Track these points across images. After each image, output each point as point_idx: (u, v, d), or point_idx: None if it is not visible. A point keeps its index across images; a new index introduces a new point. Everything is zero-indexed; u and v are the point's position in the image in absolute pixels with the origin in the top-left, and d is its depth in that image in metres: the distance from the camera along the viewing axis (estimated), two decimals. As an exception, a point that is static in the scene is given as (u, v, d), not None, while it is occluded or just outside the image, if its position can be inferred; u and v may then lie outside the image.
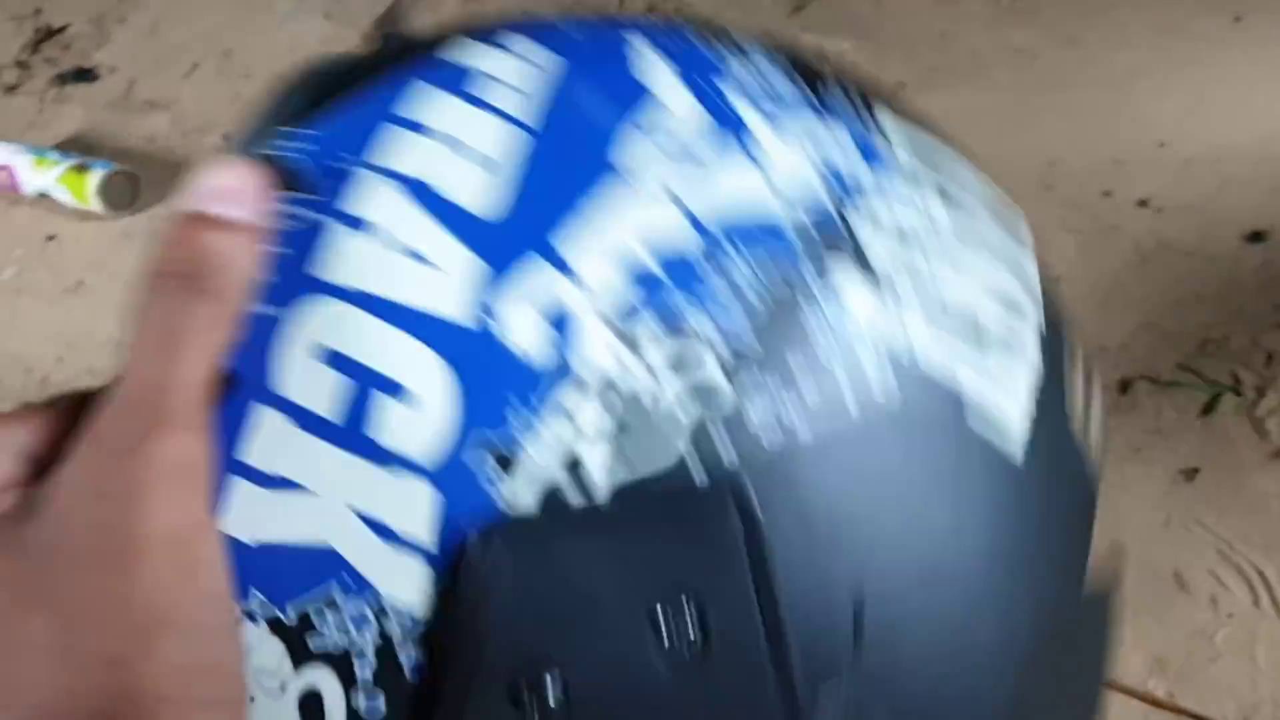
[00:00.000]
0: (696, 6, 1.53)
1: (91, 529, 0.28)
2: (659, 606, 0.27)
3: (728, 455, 0.27)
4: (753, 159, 0.30)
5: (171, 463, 0.28)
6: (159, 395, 0.29)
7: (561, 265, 0.28)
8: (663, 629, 0.27)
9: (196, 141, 1.45)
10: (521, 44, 0.32)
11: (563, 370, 0.27)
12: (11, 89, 1.64)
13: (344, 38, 1.59)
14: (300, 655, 0.28)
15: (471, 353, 0.27)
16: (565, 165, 0.29)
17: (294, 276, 0.29)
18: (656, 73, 0.31)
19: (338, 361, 0.28)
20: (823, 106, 0.32)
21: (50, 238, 1.32)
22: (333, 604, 0.28)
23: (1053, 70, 1.31)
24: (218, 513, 0.28)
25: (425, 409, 0.27)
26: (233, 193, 0.30)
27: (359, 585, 0.27)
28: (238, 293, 0.30)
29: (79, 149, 1.41)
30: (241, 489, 0.28)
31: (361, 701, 0.27)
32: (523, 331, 0.27)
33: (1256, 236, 1.07)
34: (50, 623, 0.28)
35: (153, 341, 0.29)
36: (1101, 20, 1.36)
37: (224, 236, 0.30)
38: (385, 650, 0.27)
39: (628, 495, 0.27)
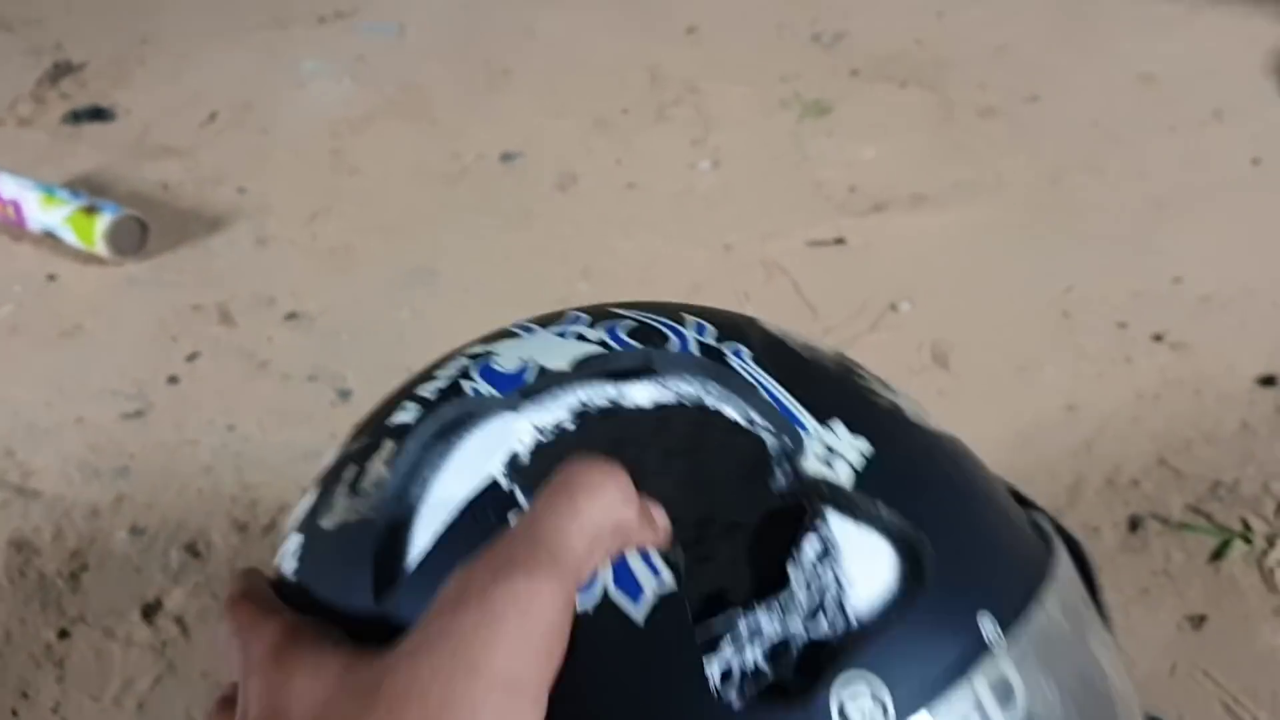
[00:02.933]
0: (712, 92, 1.53)
1: (432, 669, 0.30)
2: None
3: None
4: None
5: (516, 607, 0.30)
6: (533, 544, 0.31)
7: None
8: None
9: (210, 192, 1.44)
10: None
11: None
12: (25, 122, 1.63)
13: (365, 100, 1.59)
14: None
15: None
16: None
17: None
18: None
19: None
20: None
21: (51, 277, 1.30)
22: None
23: (1075, 194, 1.31)
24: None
25: None
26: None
27: None
28: (635, 528, 0.34)
29: (89, 189, 1.40)
30: None
31: None
32: None
33: (1269, 381, 1.06)
34: None
35: (547, 500, 0.33)
36: (1124, 150, 1.37)
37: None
38: None
39: None
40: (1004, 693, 0.36)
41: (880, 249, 1.27)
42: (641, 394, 0.40)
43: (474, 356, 0.43)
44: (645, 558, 0.35)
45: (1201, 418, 1.02)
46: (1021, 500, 0.46)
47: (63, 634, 0.91)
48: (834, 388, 0.42)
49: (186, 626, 0.91)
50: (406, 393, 0.43)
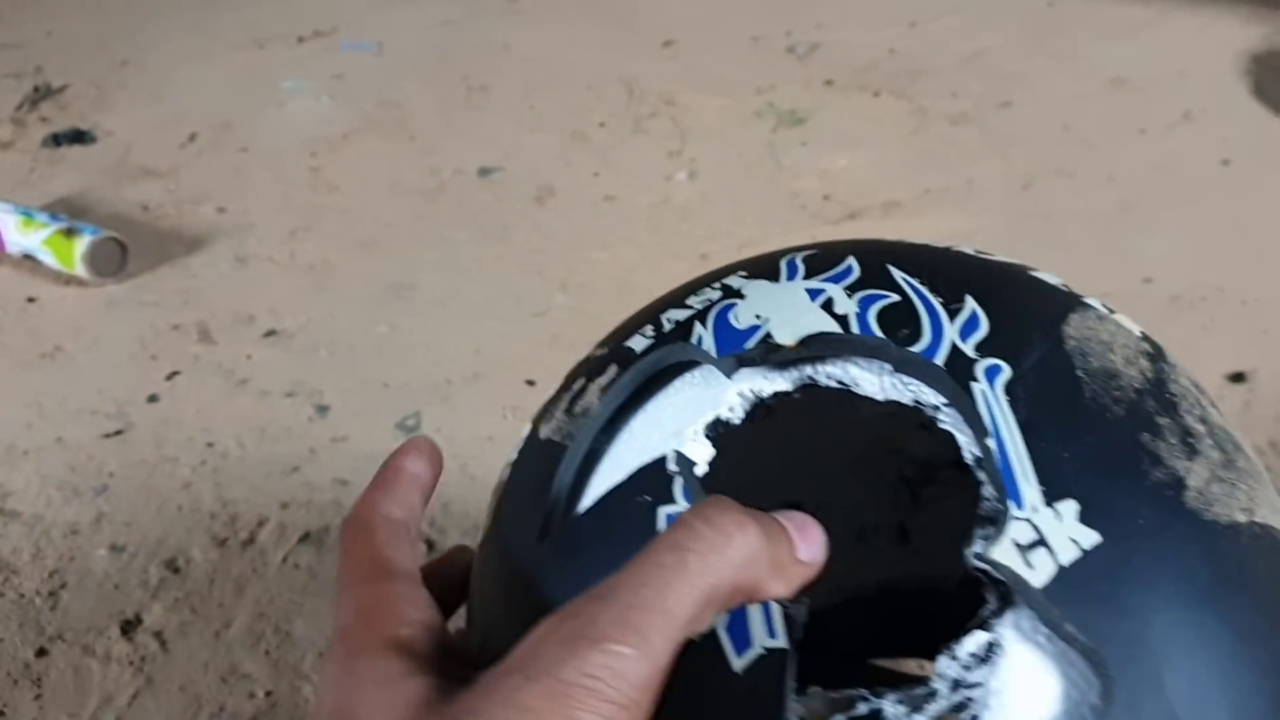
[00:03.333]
0: (688, 105, 1.54)
1: (511, 715, 0.29)
2: None
3: None
4: None
5: (596, 680, 0.29)
6: (629, 613, 0.29)
7: None
8: None
9: (190, 212, 1.44)
10: None
11: None
12: (5, 146, 1.64)
13: (344, 118, 1.60)
14: None
15: None
16: None
17: None
18: None
19: None
20: None
21: (30, 299, 1.31)
22: None
23: (1045, 198, 1.32)
24: None
25: None
26: (814, 538, 0.33)
27: None
28: (766, 585, 0.31)
29: (69, 212, 1.40)
30: None
31: None
32: None
33: (1238, 377, 1.07)
34: None
35: (663, 562, 0.30)
36: (1095, 154, 1.38)
37: (789, 545, 0.32)
38: None
39: None
40: None
41: (855, 256, 1.28)
42: (873, 383, 0.37)
43: (724, 293, 0.41)
44: (765, 608, 0.32)
45: (1172, 416, 1.03)
46: None
47: (41, 652, 0.91)
48: (1097, 453, 0.34)
49: (165, 641, 0.91)
50: (654, 313, 0.42)
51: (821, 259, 0.41)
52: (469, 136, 1.54)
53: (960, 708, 0.31)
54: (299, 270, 1.33)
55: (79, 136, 1.64)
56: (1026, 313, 0.39)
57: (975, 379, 0.35)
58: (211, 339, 1.23)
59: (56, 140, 1.63)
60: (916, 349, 0.36)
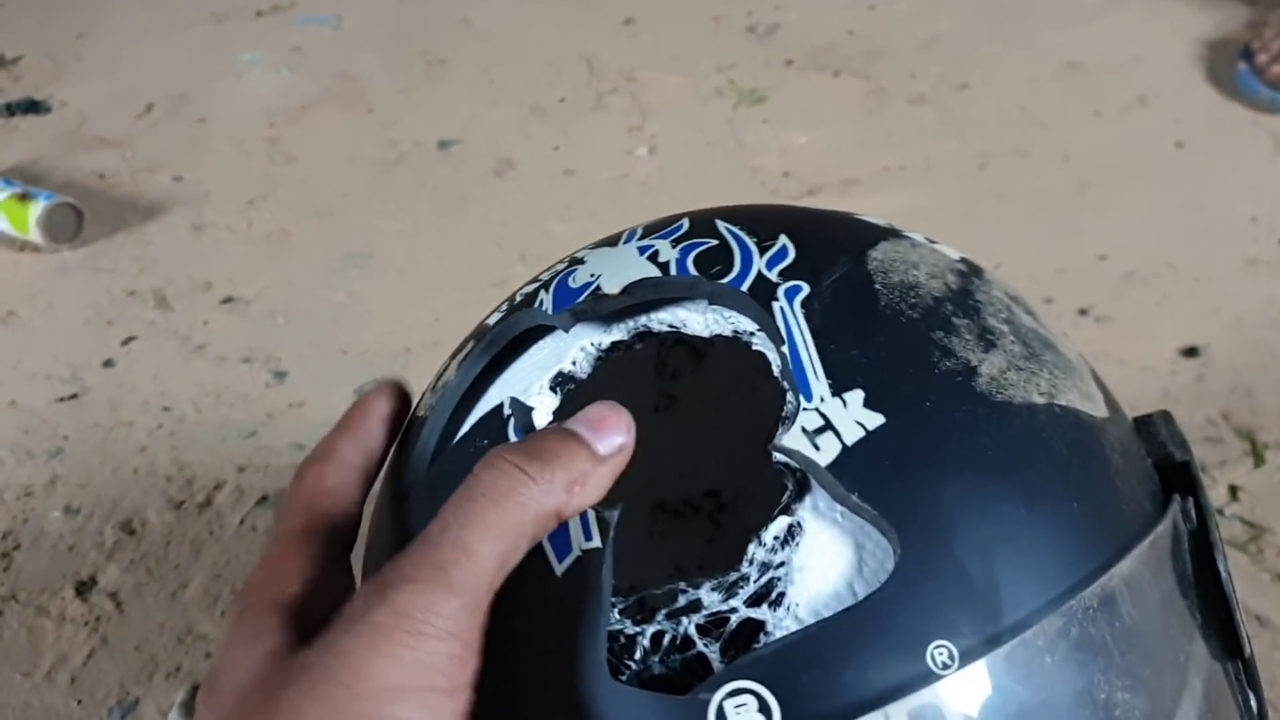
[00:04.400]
0: (649, 82, 1.55)
1: (311, 683, 0.31)
2: None
3: None
4: None
5: (406, 617, 0.31)
6: (431, 551, 0.32)
7: None
8: None
9: (146, 180, 1.43)
10: None
11: None
12: (-42, 115, 1.62)
13: (302, 90, 1.59)
14: None
15: None
16: None
17: None
18: None
19: None
20: None
21: (-16, 265, 1.30)
22: None
23: (1001, 178, 1.34)
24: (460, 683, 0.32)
25: None
26: (613, 427, 0.35)
27: None
28: (566, 505, 0.34)
29: (24, 178, 1.39)
30: None
31: None
32: None
33: (1191, 351, 1.09)
34: None
35: (462, 505, 0.33)
36: (1050, 135, 1.40)
37: (585, 453, 0.34)
38: None
39: None
40: None
41: (814, 231, 1.28)
42: (699, 322, 0.40)
43: (569, 262, 0.45)
44: (583, 518, 0.35)
45: (1125, 387, 1.04)
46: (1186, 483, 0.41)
47: (-6, 611, 0.90)
48: (886, 350, 0.37)
49: (121, 602, 0.91)
50: (513, 291, 0.46)
51: (659, 223, 0.44)
52: (428, 110, 1.54)
53: (769, 586, 0.34)
54: (256, 239, 1.32)
55: (33, 106, 1.62)
56: (834, 242, 0.42)
57: (775, 299, 0.38)
58: (168, 305, 1.22)
59: (10, 110, 1.61)
60: (725, 281, 0.40)
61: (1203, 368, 1.07)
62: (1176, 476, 0.42)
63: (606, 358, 0.41)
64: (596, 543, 0.34)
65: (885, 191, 1.33)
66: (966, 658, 0.32)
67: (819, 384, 0.36)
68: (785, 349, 0.37)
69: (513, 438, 0.38)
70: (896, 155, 1.39)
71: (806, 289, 0.39)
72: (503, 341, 0.42)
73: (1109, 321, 1.12)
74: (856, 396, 0.35)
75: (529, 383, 0.41)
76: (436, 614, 0.31)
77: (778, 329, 0.38)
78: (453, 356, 0.45)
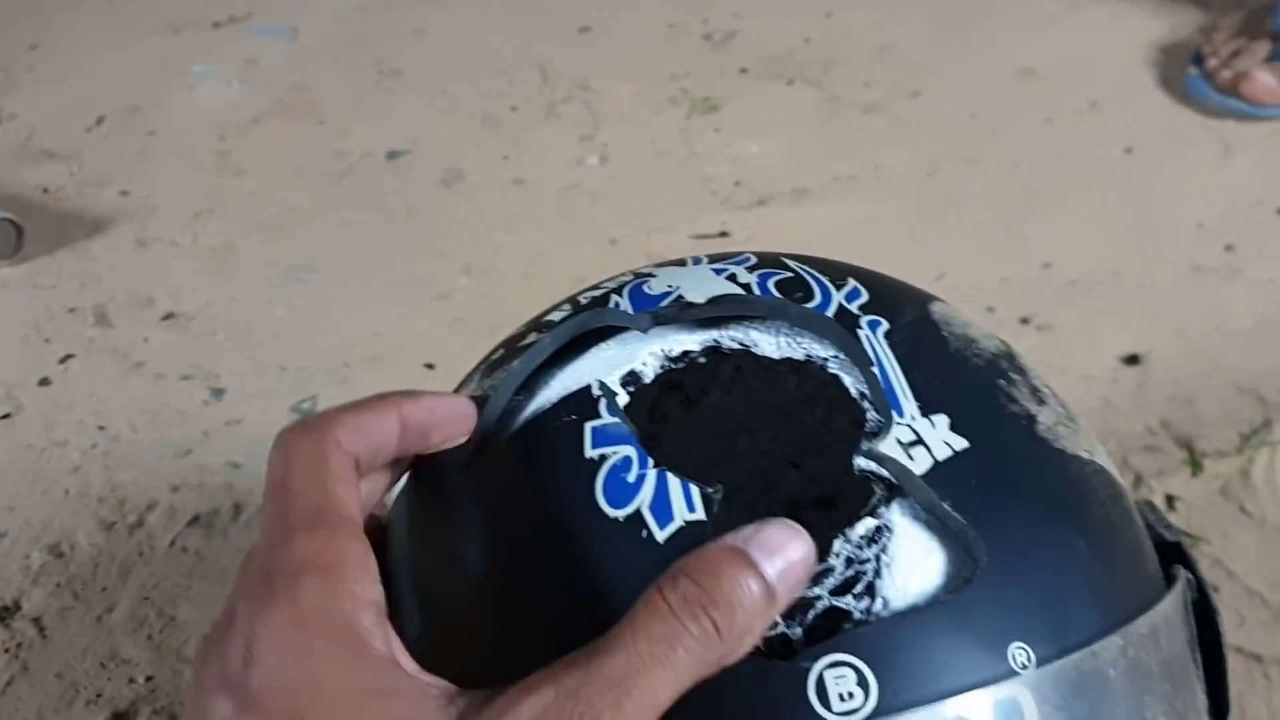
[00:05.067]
0: (602, 90, 1.54)
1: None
2: None
3: None
4: None
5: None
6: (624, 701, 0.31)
7: None
8: None
9: (92, 194, 1.42)
10: None
11: None
12: (-93, 129, 1.60)
13: (254, 102, 1.58)
14: None
15: None
16: None
17: None
18: None
19: None
20: None
21: (-77, 282, 1.28)
22: None
23: (951, 185, 1.33)
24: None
25: None
26: (796, 572, 0.34)
27: None
28: (732, 656, 0.33)
29: (-34, 194, 1.37)
30: None
31: None
32: None
33: (1132, 359, 1.08)
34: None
35: (657, 651, 0.32)
36: (1001, 142, 1.39)
37: (771, 608, 0.34)
38: None
39: None
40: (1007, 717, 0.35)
41: (763, 240, 1.28)
42: (770, 344, 0.41)
43: (635, 276, 0.46)
44: (685, 490, 0.37)
45: (1066, 394, 1.03)
46: (1180, 558, 0.44)
47: (-85, 637, 0.89)
48: (963, 385, 0.41)
49: (44, 628, 0.90)
50: (567, 297, 0.47)
51: (723, 255, 0.46)
52: (379, 120, 1.53)
53: (855, 578, 0.36)
54: (201, 253, 1.31)
55: (-18, 119, 1.60)
56: (900, 291, 0.46)
57: (860, 328, 0.41)
58: (109, 322, 1.21)
59: (-42, 123, 1.60)
60: (809, 307, 0.42)
61: (1144, 376, 1.06)
62: (1168, 554, 0.45)
63: (672, 367, 0.42)
64: (700, 515, 0.36)
65: (835, 200, 1.32)
66: (1043, 662, 0.35)
67: (909, 404, 0.39)
68: (875, 370, 0.40)
69: (604, 414, 0.40)
70: (847, 164, 1.38)
71: (886, 324, 0.42)
72: (574, 334, 0.43)
73: (1050, 330, 1.12)
74: (943, 420, 0.39)
75: (598, 377, 0.42)
76: None
77: (865, 352, 0.40)
78: (506, 347, 0.45)
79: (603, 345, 0.43)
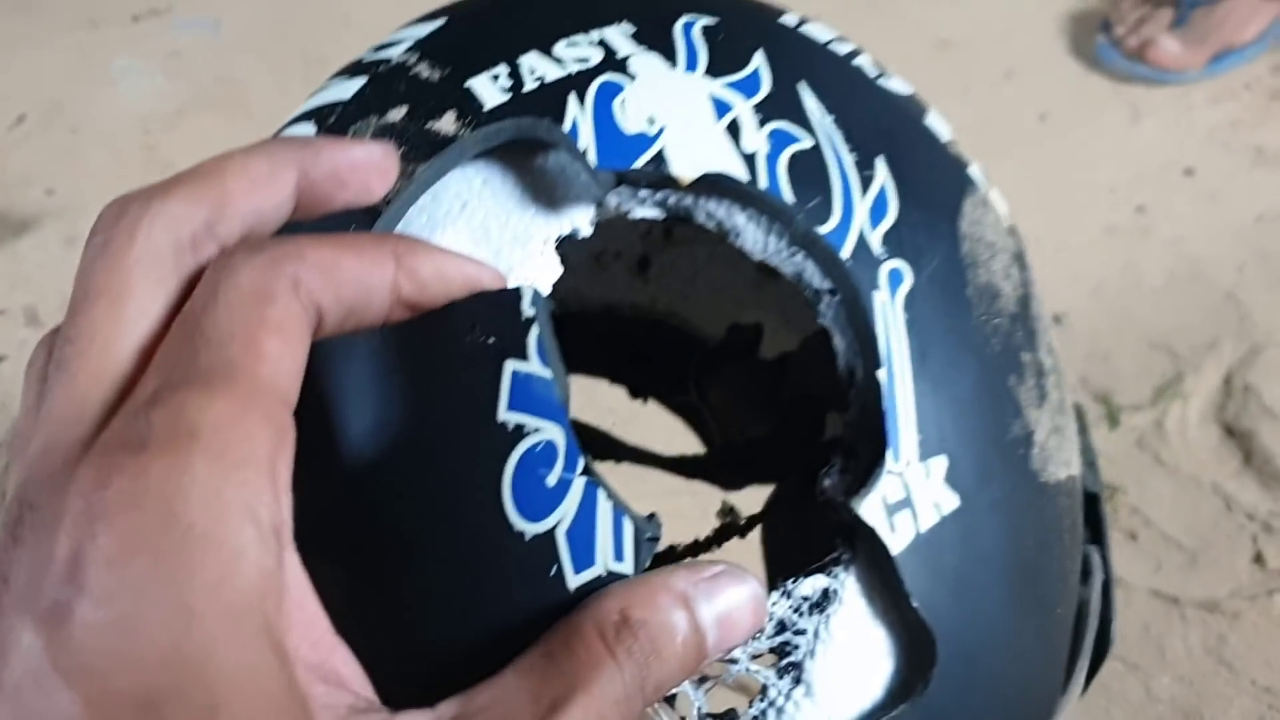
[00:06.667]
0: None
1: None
2: None
3: None
4: None
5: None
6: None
7: None
8: None
9: (17, 194, 1.41)
10: None
11: None
12: None
13: (179, 95, 1.57)
14: None
15: None
16: None
17: None
18: None
19: None
20: None
21: None
22: None
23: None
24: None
25: None
26: (739, 624, 0.28)
27: None
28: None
29: (-112, 198, 1.36)
30: None
31: None
32: None
33: (1055, 319, 1.12)
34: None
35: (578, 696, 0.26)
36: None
37: (701, 658, 0.27)
38: None
39: None
40: None
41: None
42: (756, 240, 0.33)
43: (605, 56, 0.34)
44: (617, 524, 0.29)
45: (988, 359, 1.07)
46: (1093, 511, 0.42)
47: None
48: (972, 389, 0.34)
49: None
50: (508, 47, 0.34)
51: (725, 47, 0.36)
52: (307, 111, 1.53)
53: (781, 650, 0.30)
54: (132, 249, 1.31)
55: (-100, 121, 1.58)
56: (933, 186, 0.37)
57: (877, 286, 0.33)
58: (40, 322, 1.21)
59: (-124, 126, 1.57)
60: (825, 228, 0.33)
61: (1063, 335, 1.10)
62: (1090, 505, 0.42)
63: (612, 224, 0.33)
64: (628, 568, 0.28)
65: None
66: None
67: (909, 439, 0.32)
68: (882, 374, 0.32)
69: (533, 355, 0.28)
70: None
71: (910, 278, 0.33)
72: (510, 138, 0.32)
73: (973, 295, 1.15)
74: (940, 466, 0.32)
75: (530, 226, 0.32)
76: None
77: (874, 340, 0.32)
78: (411, 112, 0.33)
79: (546, 165, 0.32)
